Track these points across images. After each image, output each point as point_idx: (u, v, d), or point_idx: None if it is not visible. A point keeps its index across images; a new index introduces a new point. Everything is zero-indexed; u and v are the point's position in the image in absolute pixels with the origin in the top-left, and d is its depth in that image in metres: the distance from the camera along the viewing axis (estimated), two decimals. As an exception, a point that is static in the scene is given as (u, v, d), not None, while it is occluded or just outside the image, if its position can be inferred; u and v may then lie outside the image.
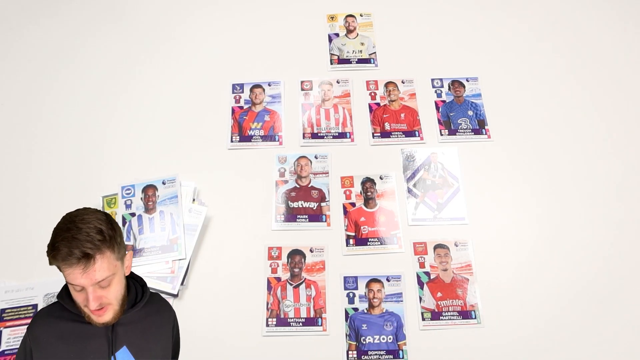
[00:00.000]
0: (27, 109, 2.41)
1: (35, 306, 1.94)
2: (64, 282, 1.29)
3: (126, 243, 2.04)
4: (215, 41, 2.59)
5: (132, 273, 1.40)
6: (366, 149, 2.30)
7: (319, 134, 2.33)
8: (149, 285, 1.93)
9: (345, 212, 2.16)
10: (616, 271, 2.03)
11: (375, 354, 1.89)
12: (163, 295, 1.92)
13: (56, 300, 1.30)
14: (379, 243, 2.09)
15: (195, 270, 2.03)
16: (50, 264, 1.18)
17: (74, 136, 2.33)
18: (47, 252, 1.17)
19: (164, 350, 1.38)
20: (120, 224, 2.08)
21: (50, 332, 1.27)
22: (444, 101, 2.41)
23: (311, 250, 2.07)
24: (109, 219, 1.22)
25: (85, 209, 1.23)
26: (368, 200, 2.18)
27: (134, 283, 1.39)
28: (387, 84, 2.46)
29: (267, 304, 1.98)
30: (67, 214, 1.22)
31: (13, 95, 2.45)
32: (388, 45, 2.57)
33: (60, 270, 1.18)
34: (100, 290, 1.18)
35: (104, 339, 1.28)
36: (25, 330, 1.31)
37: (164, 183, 2.15)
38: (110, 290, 1.20)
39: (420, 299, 1.98)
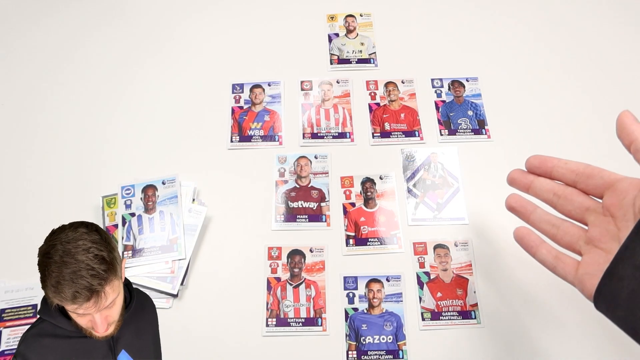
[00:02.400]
0: (27, 109, 2.41)
1: (35, 306, 1.94)
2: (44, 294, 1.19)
3: (126, 243, 2.04)
4: (215, 41, 2.59)
5: None
6: (366, 149, 2.30)
7: (318, 134, 2.33)
8: (149, 285, 1.95)
9: (345, 212, 2.16)
10: (616, 271, 2.03)
11: (375, 354, 1.89)
12: (161, 295, 1.93)
13: (38, 318, 1.20)
14: (379, 243, 2.09)
15: (195, 270, 2.03)
16: (52, 302, 1.08)
17: (74, 136, 2.33)
18: (49, 290, 1.05)
19: (155, 343, 1.41)
20: (120, 224, 2.09)
21: (49, 354, 1.18)
22: (444, 101, 2.41)
23: (311, 250, 2.07)
24: (103, 238, 1.10)
25: (73, 229, 1.09)
26: (368, 200, 2.18)
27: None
28: (387, 84, 2.46)
29: (267, 304, 1.98)
30: (55, 240, 1.07)
31: (13, 95, 2.45)
32: (388, 45, 2.57)
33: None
34: (105, 312, 1.13)
35: (106, 348, 1.27)
36: (20, 340, 1.23)
37: (163, 183, 2.15)
38: (114, 308, 1.17)
39: (420, 299, 1.98)
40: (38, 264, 1.08)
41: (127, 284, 1.37)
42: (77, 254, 1.03)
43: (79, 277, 1.01)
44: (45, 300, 1.17)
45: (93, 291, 1.04)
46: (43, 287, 1.07)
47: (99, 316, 1.10)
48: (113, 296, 1.11)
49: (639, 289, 0.75)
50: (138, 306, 1.37)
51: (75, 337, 1.19)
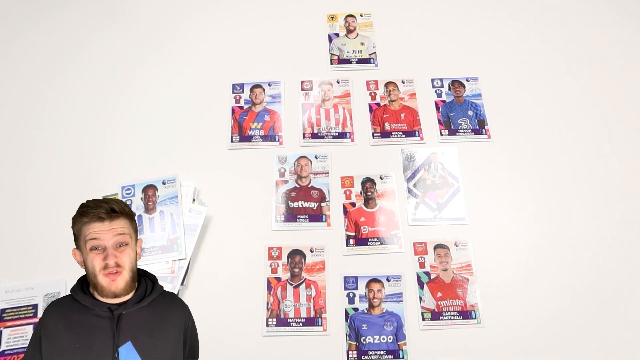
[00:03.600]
0: (28, 109, 2.41)
1: (35, 306, 1.94)
2: (77, 278, 1.38)
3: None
4: (215, 41, 2.59)
5: (144, 270, 1.45)
6: (366, 149, 2.30)
7: (319, 134, 2.33)
8: (149, 284, 1.95)
9: (345, 212, 2.16)
10: (616, 271, 2.03)
11: (375, 354, 1.89)
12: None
13: (69, 293, 1.38)
14: (379, 243, 2.09)
15: (195, 270, 2.03)
16: (75, 225, 1.32)
17: (74, 136, 2.33)
18: (75, 215, 1.32)
19: (173, 350, 1.36)
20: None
21: (59, 321, 1.32)
22: (444, 101, 2.42)
23: (311, 250, 2.07)
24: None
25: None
26: (368, 200, 2.18)
27: (145, 279, 1.42)
28: (387, 84, 2.46)
29: (267, 304, 1.98)
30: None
31: (13, 95, 2.45)
32: (388, 45, 2.57)
33: (79, 237, 1.31)
34: (116, 251, 1.31)
35: (109, 332, 1.29)
36: (26, 329, 1.39)
37: (164, 183, 2.15)
38: (125, 254, 1.32)
39: (420, 299, 1.99)
40: (73, 218, 1.35)
41: (154, 282, 1.43)
42: (105, 199, 1.36)
43: (103, 202, 1.32)
44: (76, 282, 1.38)
45: (112, 209, 1.30)
46: (73, 226, 1.33)
47: (112, 245, 1.29)
48: (126, 230, 1.32)
49: None
50: (162, 307, 1.37)
51: (86, 314, 1.32)
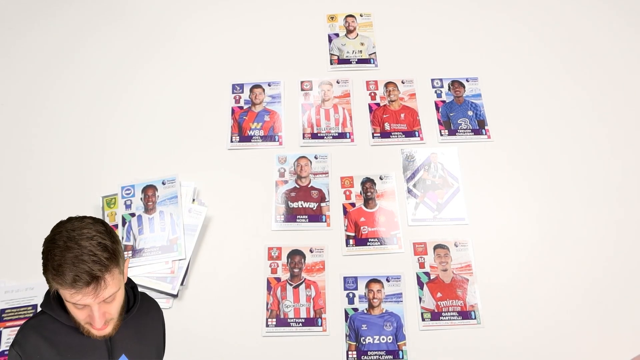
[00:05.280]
0: (27, 109, 2.41)
1: (35, 306, 1.94)
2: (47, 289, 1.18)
3: (126, 244, 2.04)
4: (215, 41, 2.59)
5: None
6: (366, 149, 2.30)
7: (318, 134, 2.33)
8: (149, 285, 1.95)
9: (345, 212, 2.16)
10: (616, 271, 2.03)
11: (375, 354, 1.89)
12: (161, 295, 1.93)
13: (40, 310, 1.19)
14: (378, 243, 2.09)
15: (195, 270, 2.03)
16: (52, 287, 1.08)
17: (74, 136, 2.33)
18: (49, 274, 1.06)
19: (158, 349, 1.37)
20: (120, 224, 2.09)
21: (45, 348, 1.16)
22: (443, 101, 2.41)
23: (311, 251, 2.07)
24: (107, 230, 1.11)
25: (80, 219, 1.10)
26: (368, 201, 2.18)
27: (125, 286, 1.29)
28: (387, 84, 2.46)
29: (267, 304, 1.98)
30: (61, 227, 1.09)
31: (13, 95, 2.45)
32: (388, 45, 2.57)
33: (52, 285, 1.08)
34: (104, 307, 1.10)
35: (104, 349, 1.23)
36: (19, 329, 1.21)
37: (163, 183, 2.15)
38: (114, 304, 1.13)
39: (420, 299, 1.98)
40: (42, 252, 1.08)
41: (133, 287, 1.33)
42: (81, 240, 1.04)
43: (80, 262, 1.02)
44: (48, 293, 1.16)
45: (93, 276, 1.03)
46: (44, 272, 1.07)
47: (97, 309, 1.08)
48: (113, 289, 1.09)
49: None
50: (142, 311, 1.32)
51: (73, 334, 1.16)
